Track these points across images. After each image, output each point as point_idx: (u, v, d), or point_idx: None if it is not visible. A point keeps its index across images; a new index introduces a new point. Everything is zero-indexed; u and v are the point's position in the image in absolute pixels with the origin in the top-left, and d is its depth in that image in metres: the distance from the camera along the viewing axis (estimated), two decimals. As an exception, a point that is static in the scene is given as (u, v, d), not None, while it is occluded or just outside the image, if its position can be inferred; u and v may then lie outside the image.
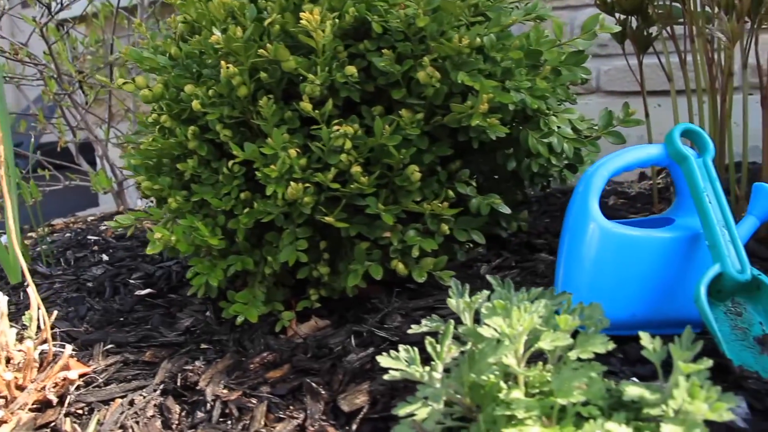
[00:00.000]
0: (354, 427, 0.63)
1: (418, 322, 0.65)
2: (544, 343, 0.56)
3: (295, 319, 0.86)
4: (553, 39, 0.82)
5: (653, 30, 1.17)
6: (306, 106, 0.75)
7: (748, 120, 1.09)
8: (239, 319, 0.83)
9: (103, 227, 1.56)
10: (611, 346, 0.58)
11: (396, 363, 0.59)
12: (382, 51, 0.77)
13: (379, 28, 0.76)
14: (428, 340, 0.58)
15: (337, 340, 0.81)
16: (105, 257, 1.27)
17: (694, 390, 0.51)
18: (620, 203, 1.30)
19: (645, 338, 0.57)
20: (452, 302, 0.62)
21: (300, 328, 0.86)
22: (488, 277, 0.64)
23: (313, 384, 0.70)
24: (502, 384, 0.58)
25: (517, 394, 0.56)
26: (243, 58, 0.78)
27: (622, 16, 1.17)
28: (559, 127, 0.86)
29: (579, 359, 0.58)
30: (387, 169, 0.79)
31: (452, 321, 0.59)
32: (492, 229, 1.06)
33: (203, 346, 0.83)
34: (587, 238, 0.76)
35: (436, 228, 0.82)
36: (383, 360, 0.59)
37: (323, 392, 0.69)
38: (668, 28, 1.17)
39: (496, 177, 0.97)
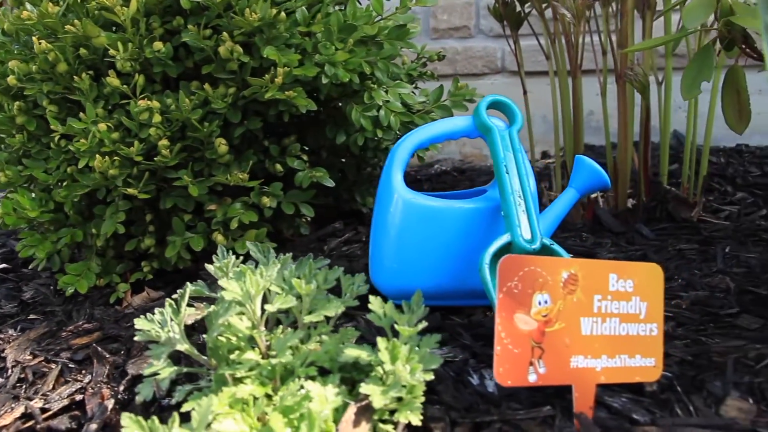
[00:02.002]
0: (122, 387, 0.66)
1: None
2: (270, 306, 0.58)
3: (130, 290, 0.88)
4: (370, 13, 0.83)
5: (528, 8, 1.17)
6: (113, 81, 0.77)
7: (606, 100, 1.10)
8: (69, 291, 0.86)
9: None
10: (340, 308, 0.59)
11: (148, 324, 0.61)
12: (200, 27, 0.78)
13: (187, 4, 0.77)
14: (168, 301, 0.60)
15: (160, 310, 0.83)
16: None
17: (396, 352, 0.53)
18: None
19: (375, 303, 0.58)
20: (210, 267, 0.64)
21: (134, 299, 0.88)
22: (248, 244, 0.66)
23: (99, 348, 0.72)
24: (244, 345, 0.60)
25: (251, 355, 0.58)
26: (61, 34, 0.79)
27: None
28: (388, 102, 0.87)
29: (334, 328, 0.59)
30: (201, 144, 0.81)
31: (189, 284, 0.60)
32: (352, 205, 1.07)
33: (32, 316, 0.86)
34: (391, 210, 0.77)
35: (258, 201, 0.84)
36: (138, 322, 0.61)
37: (108, 356, 0.71)
38: (538, 7, 1.17)
39: (343, 153, 0.99)
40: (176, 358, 0.68)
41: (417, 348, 0.56)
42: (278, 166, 0.86)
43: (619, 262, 0.59)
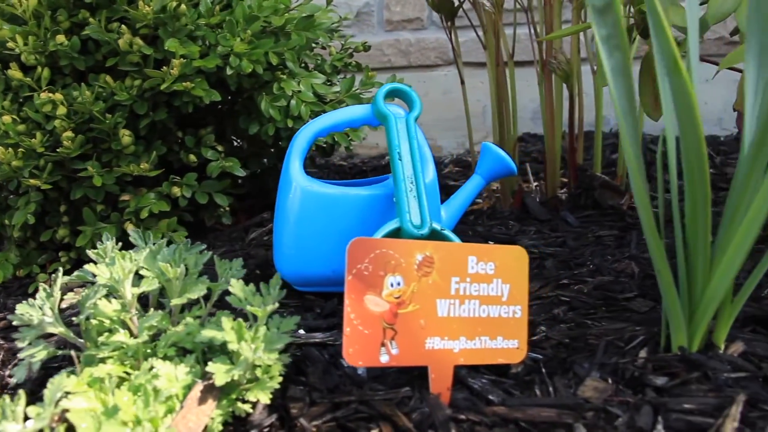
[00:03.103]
0: (7, 372, 0.67)
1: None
2: (136, 289, 0.59)
3: (50, 279, 0.90)
4: (277, 5, 0.84)
5: None
6: (15, 73, 0.79)
7: (543, 90, 1.10)
8: (-14, 280, 0.88)
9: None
10: (204, 291, 0.61)
11: (30, 309, 0.63)
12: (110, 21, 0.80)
13: (89, -3, 0.79)
14: (42, 286, 0.61)
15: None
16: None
17: (242, 332, 0.54)
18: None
19: (235, 286, 0.59)
20: (91, 253, 0.65)
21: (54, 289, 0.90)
22: (129, 231, 0.67)
23: (-3, 336, 0.74)
24: (115, 328, 0.61)
25: (120, 337, 0.59)
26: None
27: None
28: (299, 92, 0.88)
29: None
30: (107, 135, 0.82)
31: (61, 271, 0.62)
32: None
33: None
34: (290, 198, 0.79)
35: (169, 191, 0.85)
36: (19, 307, 0.63)
37: (5, 344, 0.73)
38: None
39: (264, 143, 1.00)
40: (64, 342, 0.69)
41: (276, 330, 0.58)
42: (192, 157, 0.88)
43: (480, 244, 0.60)
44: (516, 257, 0.61)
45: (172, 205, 0.88)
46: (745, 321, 0.71)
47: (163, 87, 0.76)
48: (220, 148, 0.90)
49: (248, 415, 0.56)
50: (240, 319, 0.54)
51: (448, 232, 0.75)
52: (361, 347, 0.55)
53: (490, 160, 0.85)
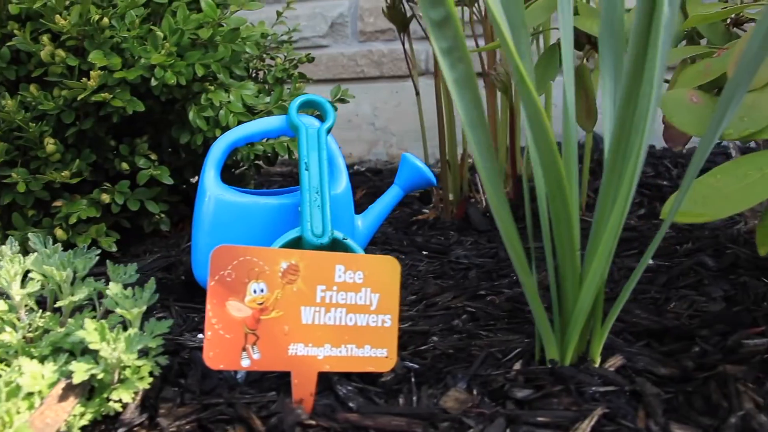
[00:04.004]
0: None
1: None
2: (21, 291, 0.62)
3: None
4: (200, 18, 0.86)
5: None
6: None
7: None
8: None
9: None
10: (86, 293, 0.63)
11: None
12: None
13: (15, 10, 0.82)
14: (-66, 288, 0.64)
15: None
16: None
17: (104, 333, 0.56)
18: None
19: (113, 288, 0.61)
20: (-10, 257, 0.68)
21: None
22: (30, 236, 0.70)
23: None
24: (3, 327, 0.64)
25: (6, 336, 0.62)
26: None
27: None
28: (229, 102, 0.90)
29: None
30: (34, 143, 0.85)
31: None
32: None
33: None
34: (204, 205, 0.81)
35: (98, 197, 0.88)
36: None
37: None
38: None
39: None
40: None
41: (151, 332, 0.60)
42: (124, 165, 0.91)
43: (350, 254, 0.61)
44: (387, 267, 0.62)
45: (109, 211, 0.91)
46: (639, 334, 0.71)
47: (80, 98, 0.79)
48: (153, 157, 0.93)
49: (120, 413, 0.58)
50: (103, 321, 0.57)
51: (349, 241, 0.76)
52: (222, 351, 0.57)
53: (408, 171, 0.86)
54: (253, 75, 1.12)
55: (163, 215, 0.97)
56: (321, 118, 0.82)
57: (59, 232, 0.88)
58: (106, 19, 0.81)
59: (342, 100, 1.10)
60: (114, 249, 0.89)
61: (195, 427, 0.57)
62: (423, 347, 0.69)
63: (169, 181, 0.91)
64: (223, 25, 0.88)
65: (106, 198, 0.88)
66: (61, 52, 0.80)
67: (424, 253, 1.01)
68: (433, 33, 0.50)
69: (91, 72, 0.79)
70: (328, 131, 0.82)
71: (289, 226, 0.81)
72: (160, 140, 0.96)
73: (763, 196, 0.60)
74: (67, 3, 0.82)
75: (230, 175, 1.11)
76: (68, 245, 0.87)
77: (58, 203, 0.89)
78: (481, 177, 0.54)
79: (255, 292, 0.58)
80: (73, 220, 0.87)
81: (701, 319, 0.73)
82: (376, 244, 1.08)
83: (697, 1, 0.83)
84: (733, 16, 0.81)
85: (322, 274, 0.60)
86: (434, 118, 1.13)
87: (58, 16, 0.77)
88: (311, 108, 0.84)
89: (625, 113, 0.52)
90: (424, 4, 0.49)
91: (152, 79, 0.84)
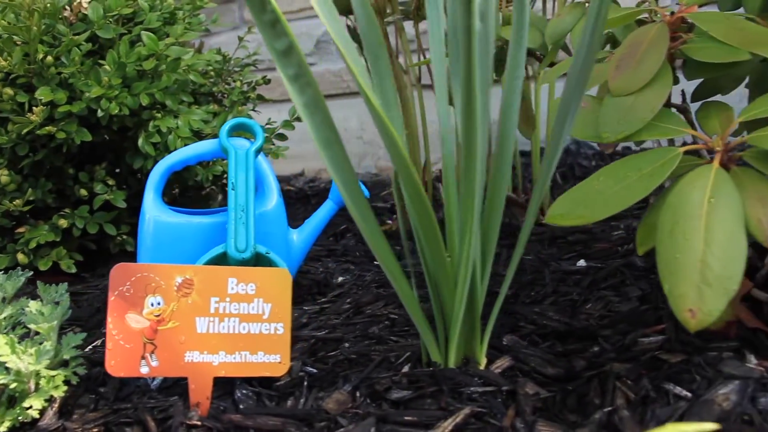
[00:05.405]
0: None
1: None
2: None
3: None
4: (141, 50, 0.95)
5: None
6: None
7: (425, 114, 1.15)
8: None
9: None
10: (8, 312, 0.71)
11: None
12: None
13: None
14: None
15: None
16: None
17: (12, 345, 0.64)
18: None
19: (32, 306, 0.69)
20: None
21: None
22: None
23: None
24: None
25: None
26: None
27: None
28: (178, 127, 0.99)
29: None
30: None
31: None
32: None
33: None
34: (145, 226, 0.89)
35: (57, 222, 0.98)
36: None
37: None
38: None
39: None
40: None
41: (67, 345, 0.67)
42: (82, 191, 1.00)
43: (242, 267, 0.68)
44: (278, 278, 0.68)
45: (71, 235, 1.01)
46: (547, 336, 0.74)
47: (24, 131, 0.88)
48: (111, 182, 1.02)
49: (38, 420, 0.66)
50: (12, 335, 0.65)
51: (272, 255, 0.83)
52: (122, 360, 0.64)
53: (340, 185, 0.92)
54: (219, 98, 1.20)
55: (125, 236, 1.05)
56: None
57: (21, 257, 0.97)
58: (50, 57, 0.91)
59: (300, 119, 1.17)
60: (73, 270, 0.98)
61: (101, 429, 0.64)
62: (331, 353, 0.75)
63: (123, 205, 1.00)
64: (168, 57, 0.96)
65: (63, 223, 0.98)
66: (9, 90, 0.90)
67: (375, 263, 1.06)
68: (279, 62, 0.56)
69: (35, 108, 0.88)
70: (258, 152, 0.89)
71: (218, 243, 0.88)
72: (120, 166, 1.06)
73: (639, 195, 0.63)
74: (20, 42, 0.92)
75: (198, 195, 1.20)
76: (32, 268, 0.97)
77: (21, 229, 0.99)
78: (341, 192, 0.59)
79: (152, 305, 0.65)
80: (32, 244, 0.96)
81: (610, 319, 0.76)
82: (336, 255, 1.14)
83: (615, 5, 0.86)
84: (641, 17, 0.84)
85: (215, 287, 0.67)
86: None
87: (0, 58, 0.87)
88: (242, 130, 0.91)
89: (466, 121, 0.57)
90: (267, 36, 0.55)
91: (98, 111, 0.93)
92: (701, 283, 0.56)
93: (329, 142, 0.58)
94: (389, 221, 1.24)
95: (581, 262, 0.93)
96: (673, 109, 0.72)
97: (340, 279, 1.00)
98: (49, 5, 0.92)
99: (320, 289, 0.98)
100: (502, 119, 0.64)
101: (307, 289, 0.99)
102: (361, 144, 1.72)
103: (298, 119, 1.16)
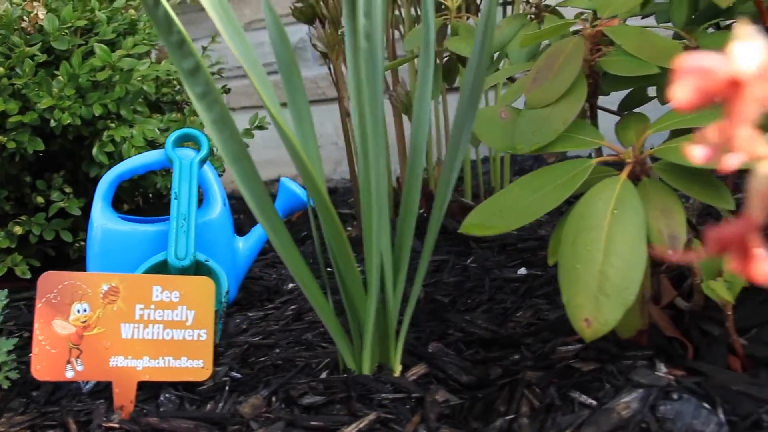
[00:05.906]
0: None
1: None
2: None
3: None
4: (94, 62, 0.98)
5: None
6: None
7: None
8: None
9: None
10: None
11: None
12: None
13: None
14: None
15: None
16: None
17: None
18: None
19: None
20: None
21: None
22: None
23: None
24: None
25: None
26: None
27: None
28: (132, 136, 1.02)
29: None
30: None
31: None
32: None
33: None
34: (93, 233, 0.92)
35: (12, 229, 1.01)
36: None
37: None
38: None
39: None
40: None
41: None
42: (39, 199, 1.03)
43: (167, 276, 0.71)
44: (202, 287, 0.71)
45: (28, 241, 1.04)
46: (472, 344, 0.77)
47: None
48: (68, 190, 1.05)
49: (-29, 422, 0.69)
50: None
51: (211, 263, 0.86)
52: (48, 364, 0.67)
53: (285, 195, 0.96)
54: (182, 107, 1.24)
55: (83, 242, 1.09)
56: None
57: (-23, 262, 1.01)
58: (2, 69, 0.94)
59: (260, 127, 1.20)
60: (28, 276, 1.02)
61: (28, 430, 0.67)
62: (261, 359, 0.78)
63: (78, 212, 1.03)
64: (122, 68, 1.00)
65: (18, 230, 1.01)
66: (-32, 101, 0.94)
67: (329, 269, 1.09)
68: (187, 80, 0.59)
69: (-13, 117, 0.92)
70: (203, 161, 0.92)
71: (163, 251, 0.91)
72: (78, 175, 1.09)
73: (552, 205, 0.65)
74: (-24, 55, 0.95)
75: (160, 204, 1.23)
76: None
77: (-20, 236, 1.03)
78: (250, 207, 0.62)
79: (78, 311, 0.68)
80: (-11, 250, 1.00)
81: (536, 327, 0.79)
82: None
83: (554, 19, 0.89)
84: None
85: (140, 295, 0.70)
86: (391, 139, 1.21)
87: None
88: (188, 140, 0.94)
89: (360, 129, 0.60)
90: (175, 56, 0.58)
91: (51, 121, 0.96)
92: (599, 294, 0.58)
93: (237, 156, 0.61)
94: (349, 228, 1.27)
95: (522, 270, 0.95)
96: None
97: (290, 286, 1.03)
98: (2, 16, 0.95)
99: (269, 296, 1.01)
100: (413, 134, 0.67)
101: (257, 295, 1.02)
102: (337, 149, 1.75)
103: (260, 127, 1.19)
